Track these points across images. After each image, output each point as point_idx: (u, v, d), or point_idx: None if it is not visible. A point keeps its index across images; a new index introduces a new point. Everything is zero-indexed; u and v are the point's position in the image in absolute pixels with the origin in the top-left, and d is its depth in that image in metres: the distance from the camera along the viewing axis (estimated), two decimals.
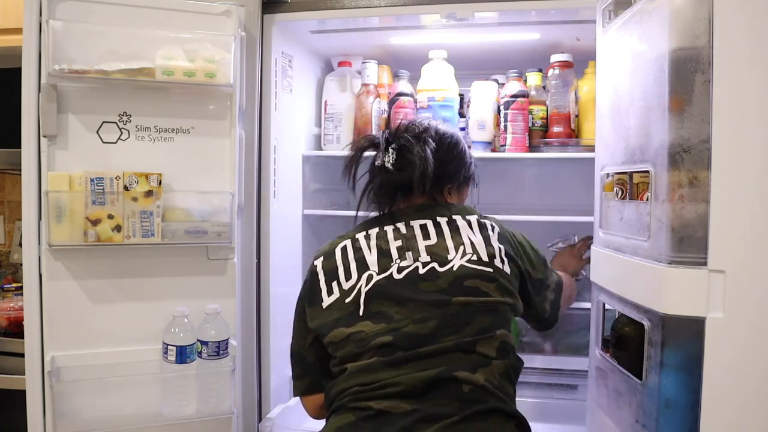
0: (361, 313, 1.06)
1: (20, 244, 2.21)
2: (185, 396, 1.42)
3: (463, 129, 1.82)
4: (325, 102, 1.87)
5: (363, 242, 1.14)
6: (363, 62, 1.83)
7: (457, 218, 1.14)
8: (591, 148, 1.42)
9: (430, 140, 1.17)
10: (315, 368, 1.16)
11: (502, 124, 1.72)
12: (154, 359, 1.42)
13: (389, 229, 1.14)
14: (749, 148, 0.89)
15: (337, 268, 1.12)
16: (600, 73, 1.29)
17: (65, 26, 1.31)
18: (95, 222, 1.34)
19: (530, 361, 1.78)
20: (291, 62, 1.75)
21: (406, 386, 0.98)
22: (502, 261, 1.11)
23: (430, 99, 1.73)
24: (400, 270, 1.08)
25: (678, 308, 0.91)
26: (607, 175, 1.23)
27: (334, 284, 1.11)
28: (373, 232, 1.15)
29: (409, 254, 1.10)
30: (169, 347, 1.40)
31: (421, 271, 1.08)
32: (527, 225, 1.96)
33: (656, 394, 0.94)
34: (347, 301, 1.08)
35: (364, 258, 1.11)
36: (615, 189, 1.20)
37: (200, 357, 1.42)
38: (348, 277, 1.10)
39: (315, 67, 1.97)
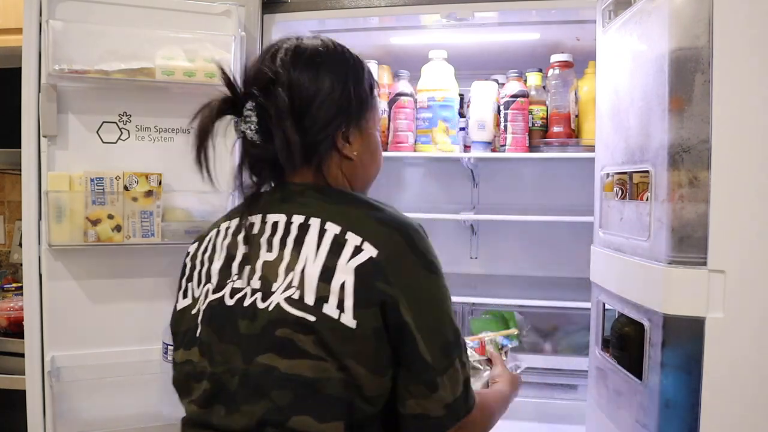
0: (197, 333, 0.83)
1: (20, 244, 2.21)
2: None
3: (463, 129, 1.82)
4: None
5: (220, 238, 0.87)
6: None
7: (313, 222, 0.79)
8: (591, 148, 1.42)
9: (282, 89, 0.83)
10: None
11: (502, 124, 1.72)
12: (154, 359, 1.42)
13: (247, 223, 0.85)
14: (749, 148, 0.89)
15: (195, 268, 0.88)
16: (600, 73, 1.29)
17: (65, 26, 1.31)
18: (95, 222, 1.34)
19: (530, 361, 1.78)
20: None
21: None
22: (341, 307, 0.73)
23: (430, 99, 1.73)
24: (232, 293, 0.80)
25: (678, 308, 0.91)
26: (607, 175, 1.23)
27: (190, 287, 0.88)
28: (234, 224, 0.86)
29: (246, 270, 0.81)
30: (169, 347, 1.40)
31: (247, 301, 0.78)
32: (527, 225, 1.98)
33: (656, 394, 0.94)
34: (193, 313, 0.85)
35: (212, 264, 0.85)
36: (615, 189, 1.20)
37: None
38: (198, 282, 0.86)
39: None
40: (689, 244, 0.91)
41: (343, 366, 0.74)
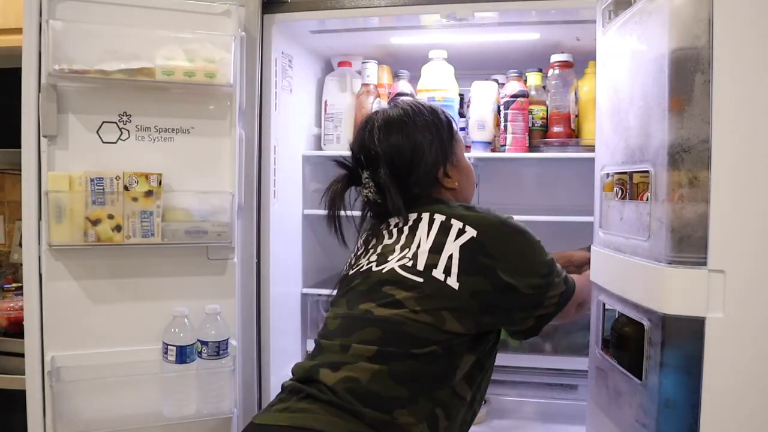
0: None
1: (20, 244, 2.21)
2: (185, 396, 1.42)
3: (463, 129, 1.82)
4: (325, 102, 1.87)
5: (361, 242, 1.17)
6: (363, 62, 1.83)
7: (425, 215, 1.07)
8: (591, 148, 1.42)
9: (383, 160, 1.11)
10: None
11: (502, 124, 1.72)
12: (154, 359, 1.42)
13: (401, 222, 1.12)
14: (749, 148, 0.89)
15: (371, 240, 1.15)
16: (600, 73, 1.29)
17: (65, 26, 1.31)
18: (95, 222, 1.34)
19: (530, 361, 1.78)
20: (291, 62, 1.75)
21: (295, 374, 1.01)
22: (448, 271, 0.98)
23: (430, 99, 1.73)
24: (363, 264, 1.09)
25: (678, 308, 0.91)
26: (607, 175, 1.23)
27: (362, 252, 1.14)
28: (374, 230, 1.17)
29: (370, 253, 1.10)
30: (169, 347, 1.40)
31: (364, 268, 1.07)
32: (527, 225, 1.97)
33: (656, 394, 0.94)
34: (350, 273, 1.11)
35: (365, 252, 1.13)
36: (615, 189, 1.20)
37: (200, 357, 1.42)
38: (364, 254, 1.12)
39: (315, 67, 1.97)
40: (689, 244, 0.91)
41: (437, 315, 0.97)
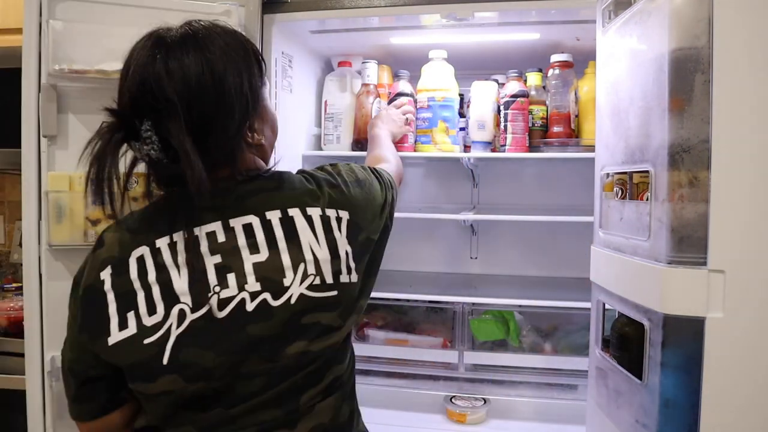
0: (165, 360, 0.78)
1: (20, 244, 2.21)
2: None
3: (463, 129, 1.82)
4: (325, 102, 1.87)
5: (167, 254, 0.81)
6: (363, 62, 1.83)
7: (295, 213, 0.83)
8: (591, 148, 1.42)
9: (177, 111, 0.78)
10: (101, 387, 0.86)
11: (502, 124, 1.72)
12: None
13: (202, 232, 0.81)
14: (749, 148, 0.89)
15: (136, 294, 0.80)
16: (600, 73, 1.29)
17: (65, 26, 1.31)
18: (95, 222, 1.34)
19: (530, 361, 1.78)
20: (291, 62, 1.75)
21: None
22: (350, 269, 0.85)
23: (430, 99, 1.73)
24: (221, 305, 0.78)
25: (678, 308, 0.91)
26: (607, 175, 1.23)
27: (131, 316, 0.79)
28: (179, 237, 0.81)
29: (231, 278, 0.79)
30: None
31: (249, 306, 0.79)
32: (527, 225, 1.98)
33: (656, 394, 0.94)
34: (147, 342, 0.78)
35: (171, 282, 0.79)
36: (615, 189, 1.21)
37: None
38: (151, 310, 0.79)
39: (315, 67, 1.97)
40: (689, 244, 0.91)
41: (355, 315, 0.87)
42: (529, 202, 2.00)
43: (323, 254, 0.82)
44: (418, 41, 1.77)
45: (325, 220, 0.84)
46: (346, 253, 0.85)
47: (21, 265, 1.63)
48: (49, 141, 1.35)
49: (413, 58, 1.84)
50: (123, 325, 0.79)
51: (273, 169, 0.92)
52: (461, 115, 1.84)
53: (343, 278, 0.84)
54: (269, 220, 0.82)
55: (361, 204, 0.90)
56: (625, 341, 1.09)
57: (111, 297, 0.81)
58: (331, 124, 1.85)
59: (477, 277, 2.06)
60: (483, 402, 1.73)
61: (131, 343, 0.79)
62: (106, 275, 0.82)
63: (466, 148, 1.82)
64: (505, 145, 1.71)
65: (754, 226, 0.89)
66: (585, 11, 1.45)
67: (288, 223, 0.82)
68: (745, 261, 0.89)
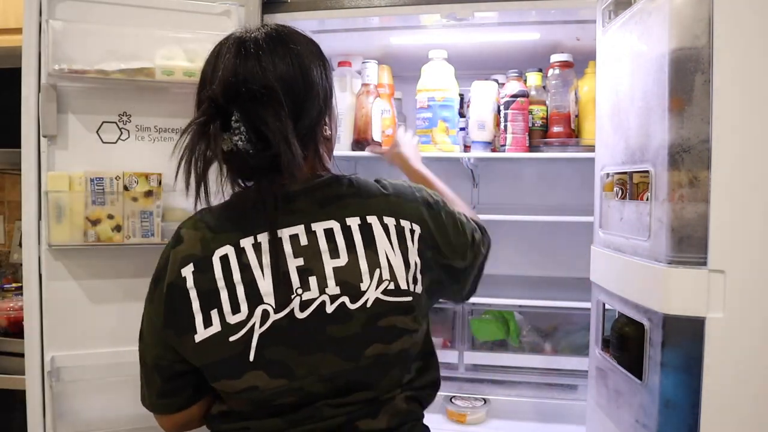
0: (251, 358, 0.80)
1: (20, 244, 2.21)
2: None
3: (463, 129, 1.82)
4: None
5: (252, 255, 0.83)
6: (363, 62, 1.83)
7: (373, 221, 0.86)
8: (591, 148, 1.42)
9: (276, 96, 0.81)
10: (187, 381, 0.90)
11: (502, 124, 1.72)
12: None
13: (285, 234, 0.83)
14: (749, 148, 0.89)
15: (219, 293, 0.82)
16: (600, 73, 1.29)
17: (65, 26, 1.30)
18: (95, 222, 1.34)
19: (530, 361, 1.78)
20: None
21: None
22: (416, 280, 0.87)
23: (430, 99, 1.73)
24: (303, 306, 0.81)
25: (678, 308, 0.91)
26: (607, 175, 1.23)
27: (214, 314, 0.81)
28: (263, 238, 0.83)
29: (313, 281, 0.82)
30: None
31: (329, 308, 0.81)
32: (527, 225, 1.98)
33: (656, 394, 0.94)
34: (232, 339, 0.81)
35: (256, 283, 0.82)
36: (615, 189, 1.20)
37: None
38: (235, 309, 0.81)
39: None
40: (689, 244, 0.91)
41: (426, 323, 0.90)
42: (529, 202, 2.00)
43: (397, 261, 0.85)
44: (418, 41, 1.77)
45: (400, 230, 0.87)
46: (416, 264, 0.87)
47: (21, 265, 1.63)
48: (49, 141, 1.35)
49: (413, 58, 1.84)
50: (208, 322, 0.82)
51: (345, 174, 0.94)
52: (461, 115, 1.84)
53: (414, 287, 0.86)
54: (349, 226, 0.85)
55: (433, 223, 0.91)
56: (625, 341, 1.09)
57: (194, 294, 0.83)
58: None
59: None
60: (483, 402, 1.73)
61: (217, 341, 0.81)
62: (188, 272, 0.84)
63: (466, 148, 1.82)
64: (505, 145, 1.71)
65: (754, 226, 0.90)
66: (585, 11, 1.45)
67: (366, 230, 0.85)
68: (745, 261, 0.89)
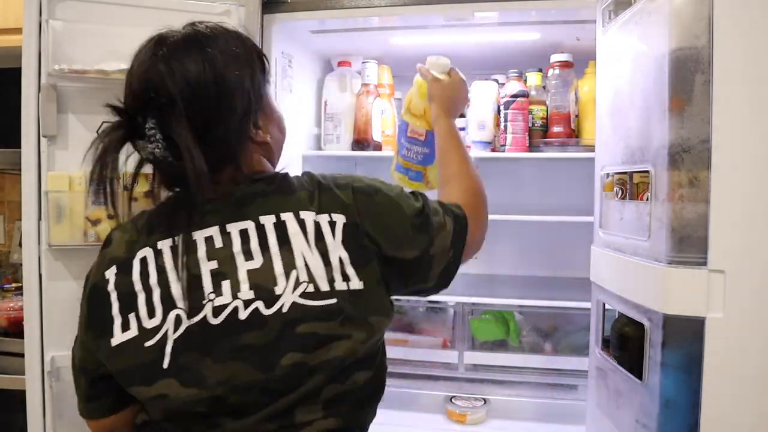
0: (165, 364, 0.77)
1: (20, 244, 2.21)
2: None
3: (463, 129, 1.82)
4: (325, 102, 1.87)
5: (168, 257, 0.80)
6: (363, 62, 1.83)
7: (287, 218, 0.80)
8: (591, 148, 1.42)
9: (179, 107, 0.78)
10: (110, 385, 0.85)
11: (502, 124, 1.72)
12: None
13: (200, 236, 0.80)
14: (749, 148, 0.89)
15: (137, 296, 0.79)
16: (600, 74, 1.29)
17: (65, 26, 1.30)
18: (95, 222, 1.34)
19: (530, 361, 1.78)
20: (291, 62, 1.75)
21: None
22: (347, 277, 0.79)
23: None
24: (216, 312, 0.77)
25: (678, 308, 0.91)
26: (607, 175, 1.23)
27: (132, 318, 0.79)
28: (180, 240, 0.80)
29: (226, 285, 0.77)
30: None
31: (242, 314, 0.76)
32: (527, 225, 1.97)
33: (656, 394, 0.94)
34: (147, 345, 0.77)
35: (169, 287, 0.79)
36: (615, 189, 1.21)
37: None
38: (151, 313, 0.78)
39: (315, 67, 1.97)
40: (689, 244, 0.91)
41: (368, 324, 0.79)
42: (529, 202, 2.00)
43: (315, 261, 0.78)
44: (418, 41, 1.77)
45: (317, 225, 0.80)
46: (340, 260, 0.79)
47: (21, 265, 1.63)
48: (49, 141, 1.35)
49: (413, 58, 1.83)
50: (125, 326, 0.79)
51: (280, 171, 0.90)
52: (461, 115, 1.84)
53: (339, 285, 0.78)
54: (263, 225, 0.80)
55: (365, 209, 0.83)
56: (625, 341, 1.09)
57: (114, 296, 0.80)
58: (331, 124, 1.85)
59: (477, 277, 2.06)
60: (483, 402, 1.73)
61: (133, 346, 0.78)
62: (110, 274, 0.82)
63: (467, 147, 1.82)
64: (505, 145, 1.71)
65: (754, 226, 0.90)
66: (585, 11, 1.45)
67: (281, 228, 0.80)
68: (745, 261, 0.89)
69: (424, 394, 1.79)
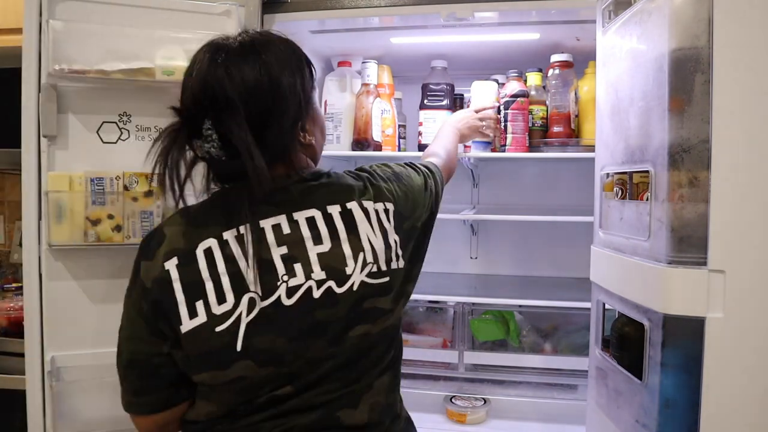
0: (238, 347, 0.82)
1: (20, 244, 2.21)
2: None
3: None
4: (325, 102, 1.87)
5: (235, 246, 0.85)
6: (363, 62, 1.83)
7: (353, 207, 0.89)
8: (591, 148, 1.42)
9: (238, 109, 0.83)
10: (163, 378, 0.89)
11: (502, 124, 1.72)
12: None
13: (267, 225, 0.86)
14: (749, 148, 0.89)
15: (203, 284, 0.83)
16: (600, 73, 1.29)
17: (65, 26, 1.31)
18: (95, 222, 1.34)
19: (530, 361, 1.78)
20: None
21: None
22: (398, 257, 0.92)
23: None
24: (290, 293, 0.83)
25: (678, 308, 0.91)
26: (607, 175, 1.23)
27: (199, 305, 0.83)
28: (246, 229, 0.85)
29: (298, 267, 0.84)
30: None
31: (316, 293, 0.84)
32: (527, 225, 1.98)
33: (656, 394, 0.94)
34: (219, 329, 0.82)
35: (241, 272, 0.84)
36: (615, 189, 1.21)
37: None
38: (221, 299, 0.83)
39: (315, 67, 1.97)
40: (689, 244, 0.91)
41: (406, 294, 0.94)
42: (529, 202, 2.00)
43: (379, 244, 0.89)
44: (418, 41, 1.77)
45: (377, 212, 0.91)
46: (395, 242, 0.91)
47: (21, 265, 1.63)
48: (49, 141, 1.35)
49: (413, 58, 1.84)
50: (193, 313, 0.83)
51: (322, 169, 0.97)
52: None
53: (393, 265, 0.90)
54: (330, 214, 0.88)
55: (401, 195, 0.97)
56: (625, 341, 1.09)
57: (178, 286, 0.84)
58: (331, 124, 1.85)
59: (477, 277, 2.06)
60: (483, 402, 1.73)
61: (203, 331, 0.83)
62: (171, 266, 0.86)
63: (466, 147, 1.81)
64: (505, 145, 1.71)
65: (754, 226, 0.90)
66: (585, 11, 1.45)
67: (347, 216, 0.88)
68: (744, 261, 0.89)
69: (424, 394, 1.79)
